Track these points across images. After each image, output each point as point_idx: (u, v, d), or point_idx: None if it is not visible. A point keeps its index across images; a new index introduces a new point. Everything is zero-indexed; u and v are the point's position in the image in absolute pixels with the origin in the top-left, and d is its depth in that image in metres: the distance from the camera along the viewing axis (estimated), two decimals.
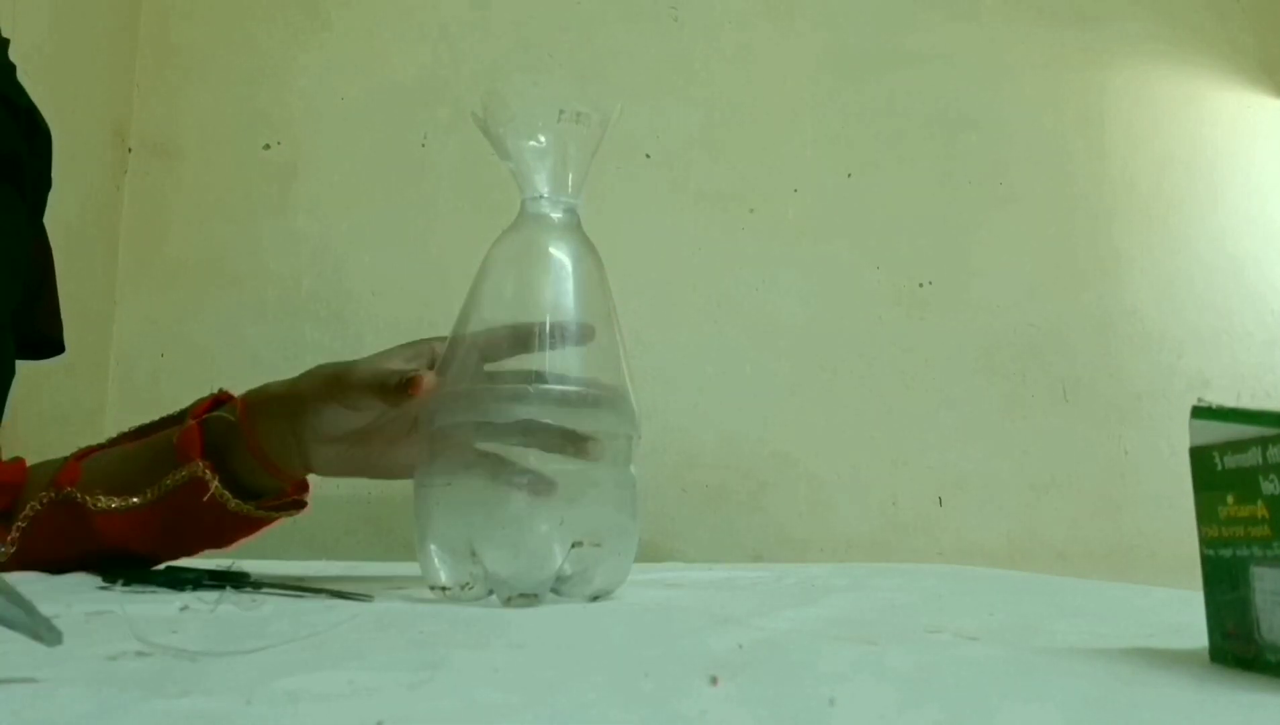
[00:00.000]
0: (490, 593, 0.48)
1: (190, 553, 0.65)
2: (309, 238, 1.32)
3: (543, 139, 0.52)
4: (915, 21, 1.47)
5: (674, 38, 1.42)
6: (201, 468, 0.59)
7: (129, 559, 0.61)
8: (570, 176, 0.53)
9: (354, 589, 0.50)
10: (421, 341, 0.60)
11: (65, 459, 0.65)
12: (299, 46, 1.37)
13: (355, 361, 0.58)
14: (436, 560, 0.49)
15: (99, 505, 0.59)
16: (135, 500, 0.60)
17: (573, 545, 0.48)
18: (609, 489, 0.51)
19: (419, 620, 0.41)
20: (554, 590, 0.49)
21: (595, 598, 0.50)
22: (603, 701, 0.25)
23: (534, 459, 0.49)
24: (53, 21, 1.11)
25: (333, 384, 0.57)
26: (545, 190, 0.53)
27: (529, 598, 0.47)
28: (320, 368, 0.60)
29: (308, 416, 0.58)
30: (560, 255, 0.52)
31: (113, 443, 0.68)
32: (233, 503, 0.60)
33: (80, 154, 1.18)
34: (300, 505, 0.65)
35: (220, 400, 0.65)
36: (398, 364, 0.58)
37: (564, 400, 0.49)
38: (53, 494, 0.60)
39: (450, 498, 0.49)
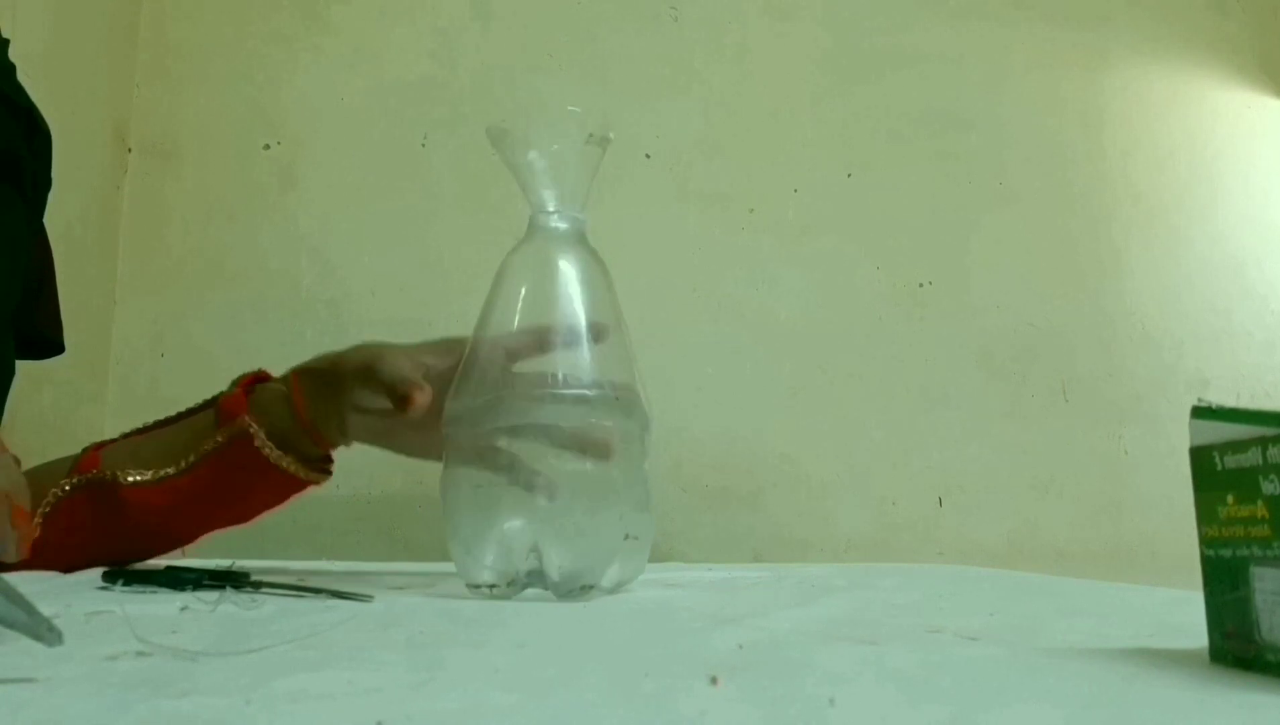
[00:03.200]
0: (522, 588, 0.51)
1: (219, 526, 0.67)
2: (309, 238, 1.32)
3: (553, 155, 0.56)
4: (915, 21, 1.47)
5: (674, 38, 1.42)
6: (248, 421, 0.63)
7: (153, 544, 0.63)
8: (578, 191, 0.56)
9: (354, 589, 0.50)
10: (455, 339, 0.64)
11: (77, 455, 0.66)
12: (299, 46, 1.37)
13: (390, 350, 0.63)
14: (488, 558, 0.51)
15: (131, 479, 0.61)
16: (170, 471, 0.63)
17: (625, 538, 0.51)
18: (619, 491, 0.53)
19: (419, 620, 0.41)
20: (547, 586, 0.51)
21: (615, 590, 0.53)
22: (603, 701, 0.25)
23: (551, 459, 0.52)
24: (53, 21, 1.11)
25: (364, 371, 0.63)
26: (555, 205, 0.56)
27: (588, 589, 0.50)
28: (362, 348, 0.65)
29: (344, 391, 0.64)
30: (572, 268, 0.55)
31: (125, 437, 0.69)
32: (274, 453, 0.64)
33: (80, 154, 1.18)
34: (327, 474, 0.69)
35: (261, 378, 0.69)
36: (428, 359, 0.63)
37: (581, 401, 0.52)
38: (74, 479, 0.61)
39: (507, 497, 0.52)
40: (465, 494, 0.52)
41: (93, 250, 1.24)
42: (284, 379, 0.67)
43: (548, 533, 0.50)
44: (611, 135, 0.56)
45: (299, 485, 0.67)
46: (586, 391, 0.52)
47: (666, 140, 1.38)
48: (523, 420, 0.52)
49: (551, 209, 0.56)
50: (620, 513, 0.52)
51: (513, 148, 0.56)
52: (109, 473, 0.62)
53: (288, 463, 0.64)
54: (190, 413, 0.69)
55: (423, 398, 0.57)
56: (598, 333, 0.54)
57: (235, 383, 0.69)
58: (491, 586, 0.50)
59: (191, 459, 0.63)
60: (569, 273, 0.55)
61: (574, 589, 0.51)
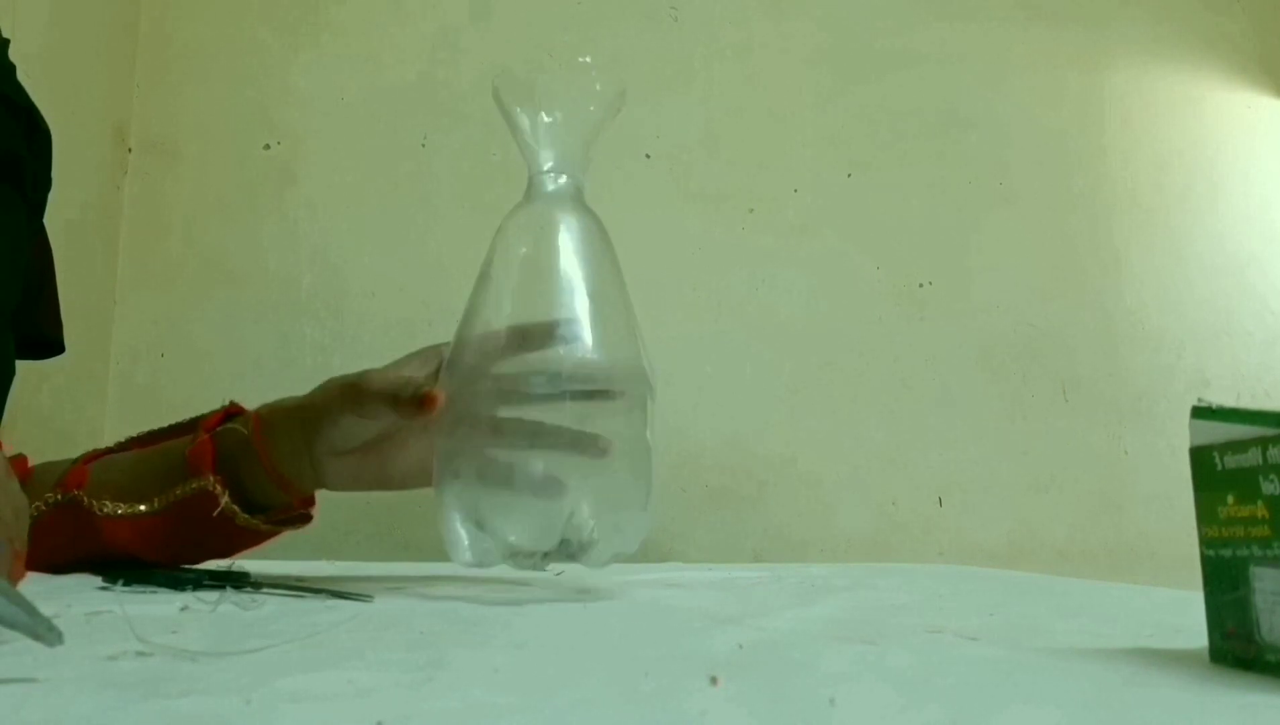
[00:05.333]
0: (559, 558, 0.49)
1: (193, 562, 0.65)
2: (309, 238, 1.32)
3: (558, 115, 0.53)
4: (915, 21, 1.47)
5: (674, 38, 1.42)
6: (213, 482, 0.59)
7: (131, 563, 0.61)
8: (579, 153, 0.54)
9: (354, 589, 0.50)
10: (431, 348, 0.60)
11: (73, 461, 0.65)
12: (299, 46, 1.37)
13: (368, 371, 0.58)
14: (514, 531, 0.49)
15: (105, 510, 0.59)
16: (142, 508, 0.60)
17: (586, 515, 0.49)
18: (622, 458, 0.51)
19: (419, 620, 0.41)
20: (569, 557, 0.49)
21: (610, 562, 0.51)
22: (603, 701, 0.25)
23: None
24: (53, 21, 1.11)
25: (348, 393, 0.57)
26: (556, 165, 0.54)
27: (533, 557, 0.48)
28: (333, 380, 0.60)
29: (322, 429, 0.58)
30: (572, 227, 0.53)
31: (121, 447, 0.68)
32: (241, 517, 0.60)
33: (80, 154, 1.18)
34: (306, 519, 0.66)
35: (232, 412, 0.65)
36: (411, 371, 0.58)
37: (576, 380, 0.50)
38: (58, 496, 0.60)
39: (542, 463, 0.50)
40: (483, 464, 0.49)
41: (93, 250, 1.24)
42: (245, 421, 0.62)
43: (596, 499, 0.49)
44: (624, 92, 0.54)
45: (274, 533, 0.64)
46: (579, 372, 0.50)
47: (666, 140, 1.38)
48: (560, 386, 0.49)
49: (552, 169, 0.54)
50: (652, 477, 0.51)
51: (520, 101, 0.53)
52: (85, 499, 0.60)
53: (257, 523, 0.61)
54: (179, 430, 0.66)
55: (442, 397, 0.52)
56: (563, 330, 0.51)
57: (202, 420, 0.65)
58: (530, 555, 0.48)
59: (163, 502, 0.60)
60: (569, 234, 0.53)
61: (609, 558, 0.49)
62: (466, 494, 0.49)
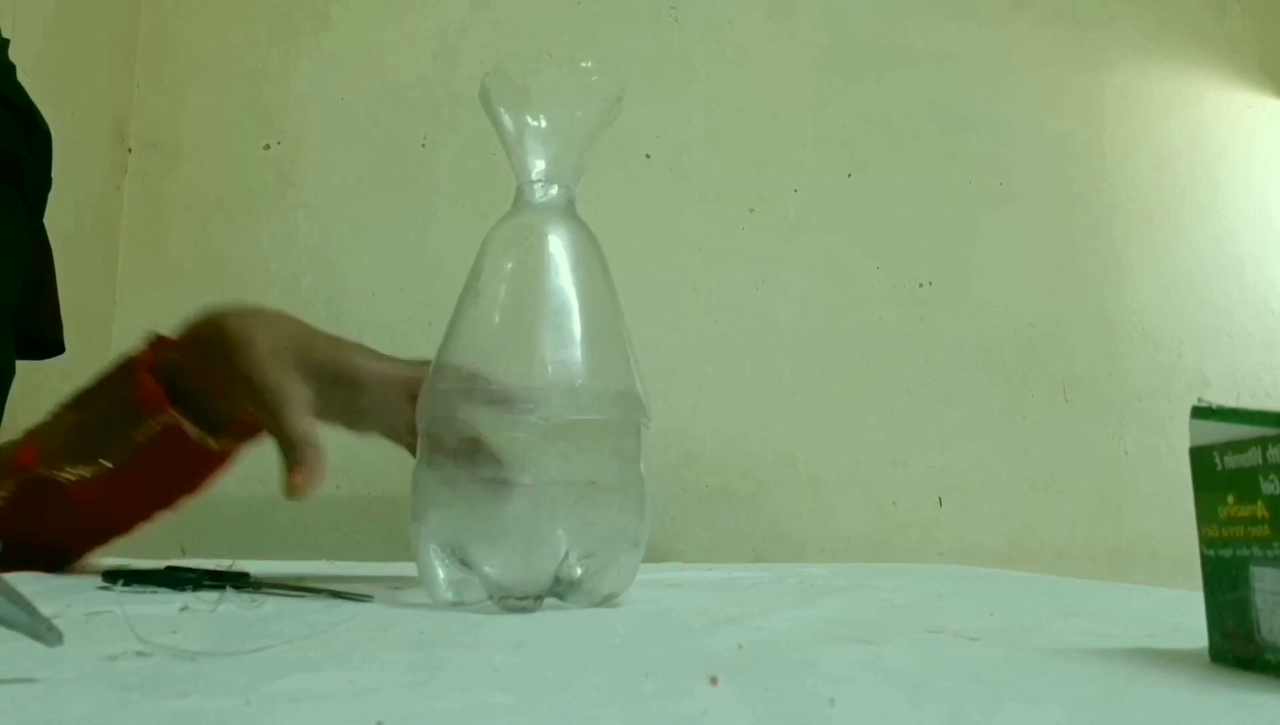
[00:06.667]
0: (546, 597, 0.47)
1: (168, 505, 0.64)
2: (309, 238, 1.32)
3: (549, 118, 0.51)
4: (915, 21, 1.47)
5: (674, 38, 1.42)
6: (174, 416, 0.59)
7: (90, 537, 0.61)
8: (571, 162, 0.51)
9: (354, 589, 0.50)
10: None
11: (14, 445, 0.64)
12: (299, 46, 1.37)
13: (365, 370, 0.61)
14: (514, 567, 0.46)
15: (74, 478, 0.59)
16: (109, 465, 0.59)
17: (577, 553, 0.46)
18: (614, 492, 0.49)
19: (419, 620, 0.41)
20: (557, 595, 0.48)
21: (601, 603, 0.49)
22: (603, 701, 0.25)
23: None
24: (53, 21, 1.11)
25: (239, 380, 0.58)
26: (545, 175, 0.51)
27: (525, 601, 0.46)
28: (236, 325, 0.61)
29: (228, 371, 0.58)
30: (563, 242, 0.50)
31: (55, 417, 0.67)
32: (212, 442, 0.60)
33: (80, 154, 1.18)
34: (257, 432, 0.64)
35: (159, 344, 0.64)
36: (405, 372, 0.60)
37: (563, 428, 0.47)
38: (18, 478, 0.60)
39: (448, 502, 0.47)
40: (471, 498, 0.46)
41: (93, 250, 1.24)
42: (174, 346, 0.62)
43: (587, 535, 0.46)
44: (621, 97, 0.51)
45: (243, 447, 0.64)
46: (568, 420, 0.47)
47: (666, 140, 1.38)
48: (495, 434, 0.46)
49: (542, 178, 0.50)
50: (646, 510, 0.49)
51: (508, 103, 0.50)
52: (47, 472, 0.59)
53: (228, 441, 0.61)
54: (109, 382, 0.64)
55: (299, 484, 0.51)
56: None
57: (134, 365, 0.63)
58: (521, 599, 0.45)
59: (127, 451, 0.59)
60: (559, 250, 0.49)
61: (600, 598, 0.47)
62: (450, 530, 0.46)
